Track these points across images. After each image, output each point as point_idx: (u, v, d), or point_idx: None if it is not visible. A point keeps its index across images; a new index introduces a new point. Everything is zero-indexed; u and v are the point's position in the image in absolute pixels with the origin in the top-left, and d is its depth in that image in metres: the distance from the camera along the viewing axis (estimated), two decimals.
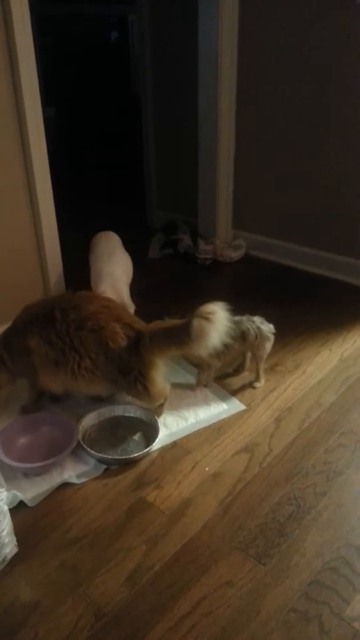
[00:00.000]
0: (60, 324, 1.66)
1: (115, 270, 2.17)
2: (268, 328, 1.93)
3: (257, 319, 1.93)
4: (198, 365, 1.96)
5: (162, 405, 1.82)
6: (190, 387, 1.98)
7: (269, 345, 1.94)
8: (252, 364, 2.04)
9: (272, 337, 1.94)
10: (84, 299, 1.73)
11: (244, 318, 1.91)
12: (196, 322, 1.54)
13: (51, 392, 1.82)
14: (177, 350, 1.67)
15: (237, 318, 1.91)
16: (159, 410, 1.82)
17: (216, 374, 2.01)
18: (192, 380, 2.02)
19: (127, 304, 2.14)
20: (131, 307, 2.17)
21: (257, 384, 1.99)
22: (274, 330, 1.95)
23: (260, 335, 1.90)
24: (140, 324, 1.73)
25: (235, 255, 3.14)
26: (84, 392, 1.80)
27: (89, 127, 4.88)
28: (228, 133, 2.97)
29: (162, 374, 1.75)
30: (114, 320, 1.68)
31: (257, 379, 1.99)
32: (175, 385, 1.99)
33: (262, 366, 1.99)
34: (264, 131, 2.88)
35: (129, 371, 1.68)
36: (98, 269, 2.19)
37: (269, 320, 1.96)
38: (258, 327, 1.90)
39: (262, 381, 2.00)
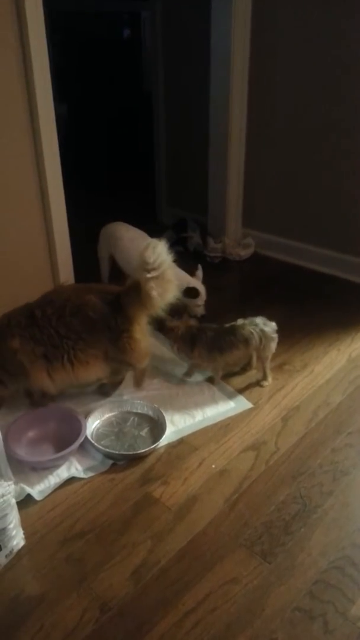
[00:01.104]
0: (41, 320, 1.70)
1: None
2: (271, 328, 1.92)
3: (260, 320, 1.92)
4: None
5: (143, 371, 1.90)
6: (198, 385, 1.99)
7: (273, 345, 1.94)
8: (258, 363, 2.04)
9: (276, 336, 1.93)
10: (55, 293, 1.81)
11: (247, 322, 1.91)
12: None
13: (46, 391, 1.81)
14: (145, 302, 1.72)
15: (240, 322, 1.90)
16: (140, 378, 1.89)
17: (224, 371, 2.01)
18: (199, 378, 2.02)
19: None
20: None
21: (265, 383, 1.99)
22: (276, 328, 1.94)
23: (264, 337, 1.90)
24: (114, 288, 1.81)
25: (245, 253, 3.14)
26: (82, 380, 1.81)
27: (100, 124, 4.89)
28: (239, 131, 2.97)
29: (146, 327, 1.83)
30: (87, 294, 1.74)
31: (265, 377, 1.99)
32: (183, 383, 2.00)
33: (269, 365, 1.99)
34: (275, 130, 2.87)
35: (119, 334, 1.74)
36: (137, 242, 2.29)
37: (277, 319, 1.95)
38: (261, 330, 1.89)
39: (270, 379, 1.99)
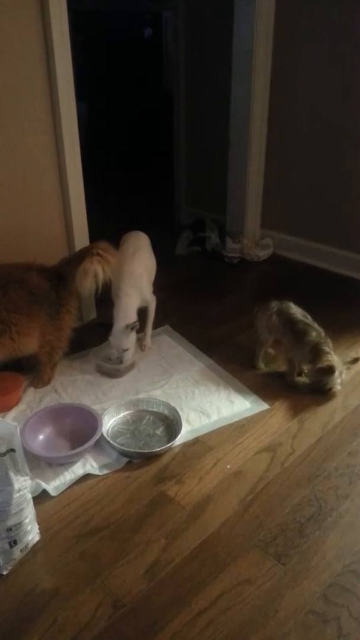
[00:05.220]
0: None
1: (136, 269, 2.16)
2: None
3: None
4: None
5: (54, 365, 2.00)
6: (214, 385, 1.98)
7: None
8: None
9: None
10: None
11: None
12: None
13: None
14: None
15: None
16: (48, 372, 1.99)
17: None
18: (216, 378, 2.02)
19: (148, 299, 2.19)
20: (152, 302, 2.23)
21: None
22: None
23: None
24: (53, 266, 1.95)
25: (263, 254, 3.13)
26: (25, 352, 1.91)
27: (120, 123, 4.91)
28: (259, 132, 2.95)
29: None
30: (28, 271, 1.85)
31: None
32: (199, 382, 1.99)
33: None
34: (296, 130, 2.86)
35: (58, 308, 1.89)
36: (119, 266, 2.18)
37: None
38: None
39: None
